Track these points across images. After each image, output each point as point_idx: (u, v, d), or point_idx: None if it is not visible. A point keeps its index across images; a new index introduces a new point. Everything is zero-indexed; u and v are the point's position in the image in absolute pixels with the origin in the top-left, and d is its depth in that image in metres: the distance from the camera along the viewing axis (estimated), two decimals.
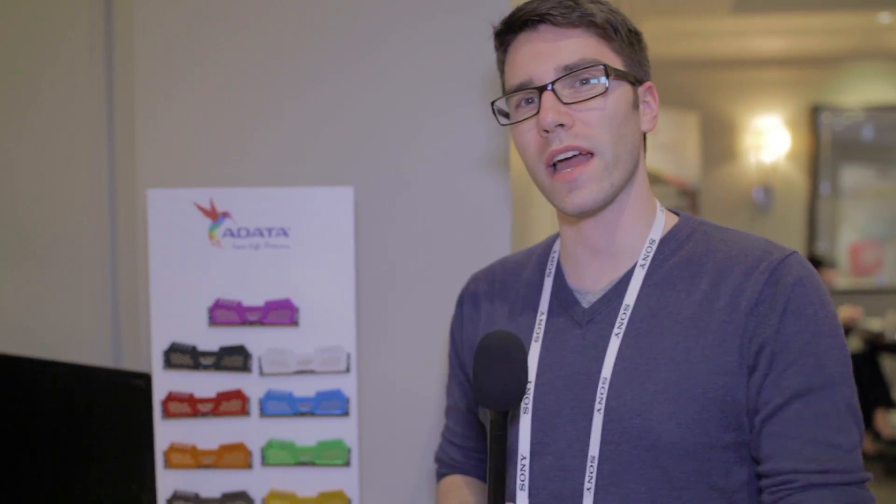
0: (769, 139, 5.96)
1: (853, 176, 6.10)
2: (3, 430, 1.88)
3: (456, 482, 1.44)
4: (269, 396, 1.64)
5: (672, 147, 5.63)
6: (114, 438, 1.73)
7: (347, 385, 1.64)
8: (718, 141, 5.99)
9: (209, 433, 1.65)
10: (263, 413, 1.64)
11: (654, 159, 5.14)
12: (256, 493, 1.65)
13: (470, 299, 1.40)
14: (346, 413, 1.64)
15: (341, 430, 1.64)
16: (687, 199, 5.76)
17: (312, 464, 1.64)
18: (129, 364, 2.00)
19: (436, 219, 1.77)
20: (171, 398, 1.65)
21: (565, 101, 1.14)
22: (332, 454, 1.64)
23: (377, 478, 1.79)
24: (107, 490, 1.74)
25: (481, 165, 1.75)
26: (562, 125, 1.13)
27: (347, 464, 1.64)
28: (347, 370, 1.63)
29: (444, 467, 1.48)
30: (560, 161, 1.16)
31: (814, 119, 6.01)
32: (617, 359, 1.15)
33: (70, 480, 1.79)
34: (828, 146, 6.01)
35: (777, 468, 1.09)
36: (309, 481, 1.65)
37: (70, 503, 1.79)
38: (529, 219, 2.02)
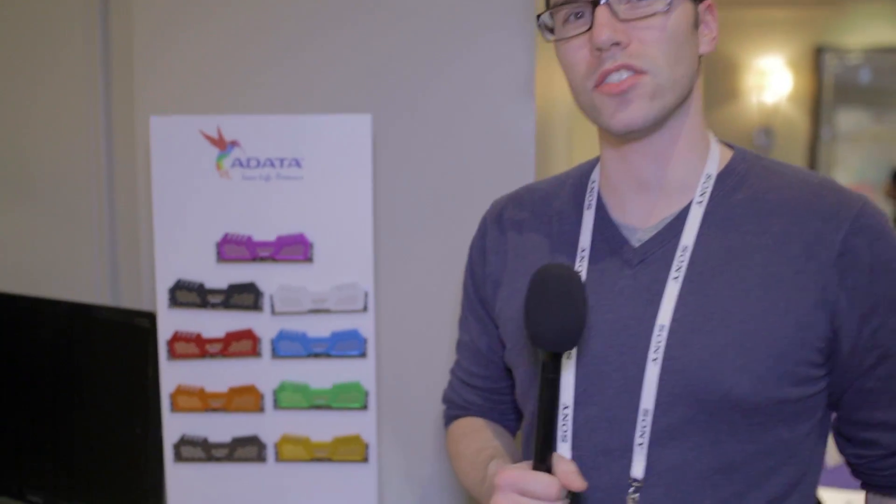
0: (771, 80, 5.86)
1: (850, 119, 6.02)
2: (1, 371, 1.80)
3: (474, 425, 1.35)
4: (282, 336, 1.58)
5: None
6: (117, 380, 1.65)
7: (365, 325, 1.57)
8: (720, 81, 5.87)
9: (218, 375, 1.59)
10: (276, 354, 1.58)
11: None
12: (268, 438, 1.60)
13: (494, 228, 1.29)
14: (363, 354, 1.58)
15: (358, 372, 1.58)
16: None
17: (328, 407, 1.59)
18: (127, 303, 1.91)
19: (457, 149, 1.68)
20: (177, 338, 1.58)
21: (621, 17, 1.03)
22: (348, 397, 1.58)
23: (396, 422, 1.73)
24: (110, 434, 1.67)
25: (505, 94, 1.66)
26: (617, 44, 1.03)
27: (364, 407, 1.59)
28: (365, 309, 1.57)
29: (456, 409, 1.39)
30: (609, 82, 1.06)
31: (817, 60, 5.90)
32: (678, 305, 1.06)
33: (71, 424, 1.72)
34: (830, 88, 5.91)
35: (866, 418, 1.09)
36: (324, 425, 1.59)
37: (71, 447, 1.72)
38: (551, 152, 1.92)
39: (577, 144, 2.46)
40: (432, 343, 1.70)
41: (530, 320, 0.97)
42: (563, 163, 2.12)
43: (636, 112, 1.05)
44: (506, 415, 1.37)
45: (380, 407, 1.68)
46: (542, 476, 0.97)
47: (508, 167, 1.66)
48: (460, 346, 1.38)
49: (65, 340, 1.71)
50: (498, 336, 1.29)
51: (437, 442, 1.73)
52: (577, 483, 0.97)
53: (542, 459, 0.97)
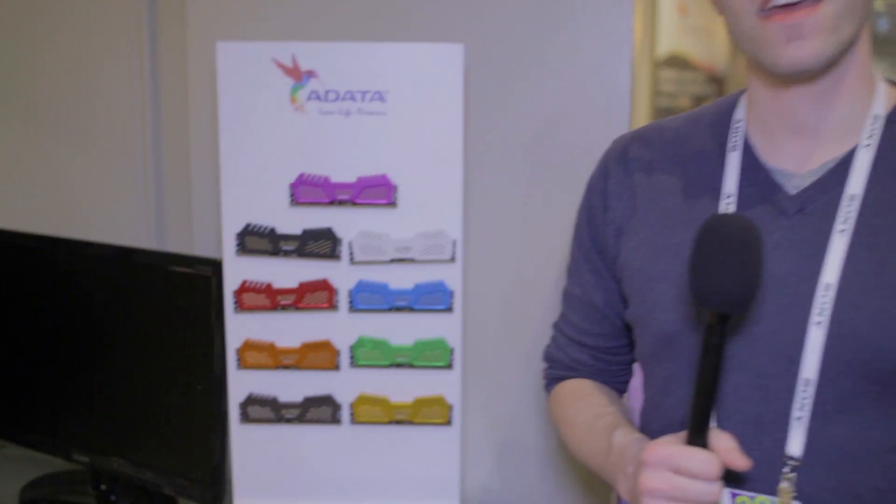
0: None
1: None
2: (44, 320, 1.66)
3: (584, 387, 1.25)
4: (361, 288, 1.47)
5: (701, 30, 5.37)
6: (175, 334, 1.52)
7: (452, 276, 1.46)
8: None
9: (290, 329, 1.48)
10: (353, 307, 1.47)
11: (683, 42, 4.91)
12: (344, 398, 1.49)
13: (618, 168, 1.17)
14: (449, 308, 1.47)
15: (443, 327, 1.47)
16: (714, 85, 5.54)
17: (409, 366, 1.48)
18: (174, 248, 1.79)
19: (556, 86, 1.54)
20: (245, 288, 1.46)
21: None
22: (432, 355, 1.48)
23: (483, 383, 1.63)
24: (167, 391, 1.54)
25: (603, 25, 1.53)
26: None
27: (450, 366, 1.48)
28: (452, 259, 1.45)
29: (562, 369, 1.29)
30: (778, 7, 0.93)
31: None
32: (846, 261, 0.96)
33: (123, 379, 1.59)
34: None
35: None
36: (404, 385, 1.49)
37: (123, 405, 1.60)
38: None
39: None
40: (525, 297, 1.60)
41: (701, 277, 0.88)
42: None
43: (810, 50, 0.92)
44: (617, 376, 1.28)
45: (466, 366, 1.58)
46: (699, 452, 0.88)
47: (605, 104, 1.54)
48: (569, 298, 1.27)
49: (118, 290, 1.57)
50: (617, 290, 1.19)
51: (528, 404, 1.63)
52: (740, 461, 0.88)
53: (699, 434, 0.88)
